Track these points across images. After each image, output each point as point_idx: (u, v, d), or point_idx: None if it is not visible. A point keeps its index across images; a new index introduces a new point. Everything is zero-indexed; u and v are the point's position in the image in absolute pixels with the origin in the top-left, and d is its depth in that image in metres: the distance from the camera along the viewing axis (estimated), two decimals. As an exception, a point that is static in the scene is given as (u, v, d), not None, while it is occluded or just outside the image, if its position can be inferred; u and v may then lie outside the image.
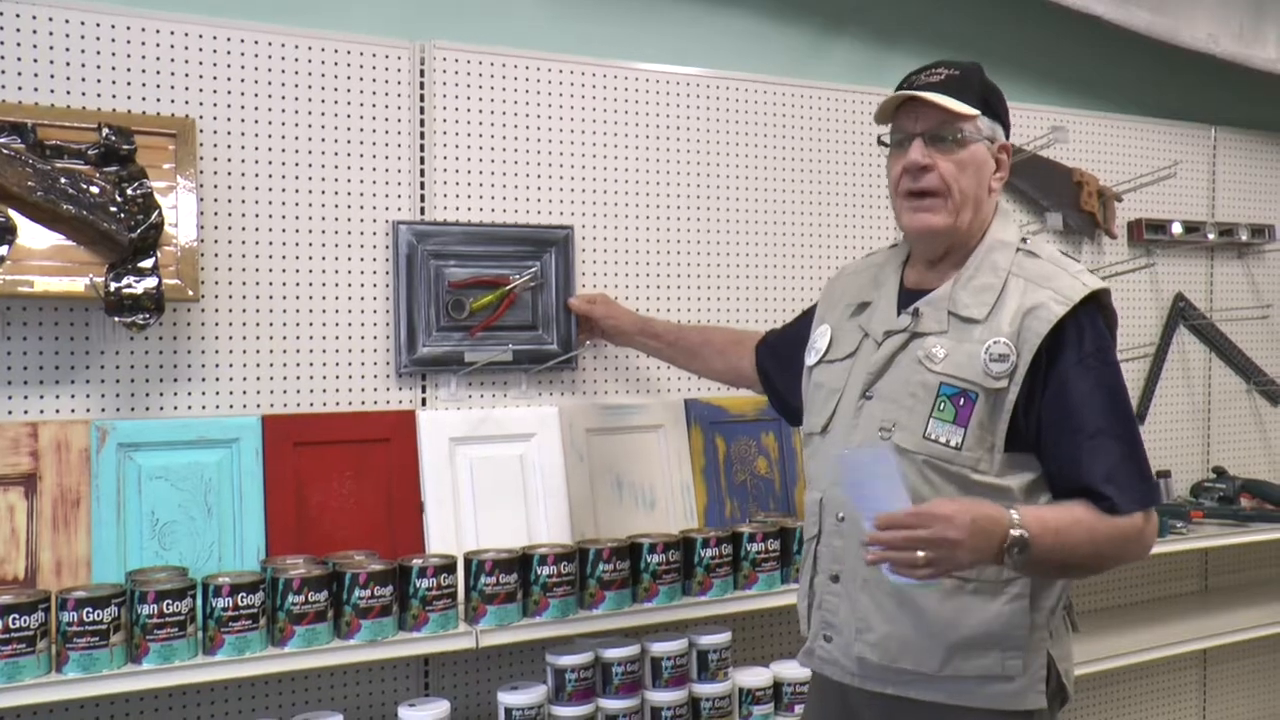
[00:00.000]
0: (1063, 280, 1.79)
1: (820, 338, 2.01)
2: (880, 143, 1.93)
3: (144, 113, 2.24)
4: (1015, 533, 1.62)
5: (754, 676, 2.55)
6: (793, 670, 2.54)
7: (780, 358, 2.22)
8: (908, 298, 1.89)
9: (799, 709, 2.50)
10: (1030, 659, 1.77)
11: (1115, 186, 3.48)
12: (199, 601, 2.00)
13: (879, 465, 1.63)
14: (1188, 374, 3.73)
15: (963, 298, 1.81)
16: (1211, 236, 3.68)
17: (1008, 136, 1.91)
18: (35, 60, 2.16)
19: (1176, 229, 3.59)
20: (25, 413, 2.15)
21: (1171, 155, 3.62)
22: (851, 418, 1.87)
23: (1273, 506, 3.48)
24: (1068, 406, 1.74)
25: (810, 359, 2.01)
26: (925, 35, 3.30)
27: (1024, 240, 1.87)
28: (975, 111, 1.83)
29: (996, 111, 1.88)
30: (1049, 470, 1.77)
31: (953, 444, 1.75)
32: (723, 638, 2.49)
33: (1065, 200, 3.39)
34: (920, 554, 1.57)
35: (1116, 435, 1.73)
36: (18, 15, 2.15)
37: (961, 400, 1.76)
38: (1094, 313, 1.78)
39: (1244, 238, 3.73)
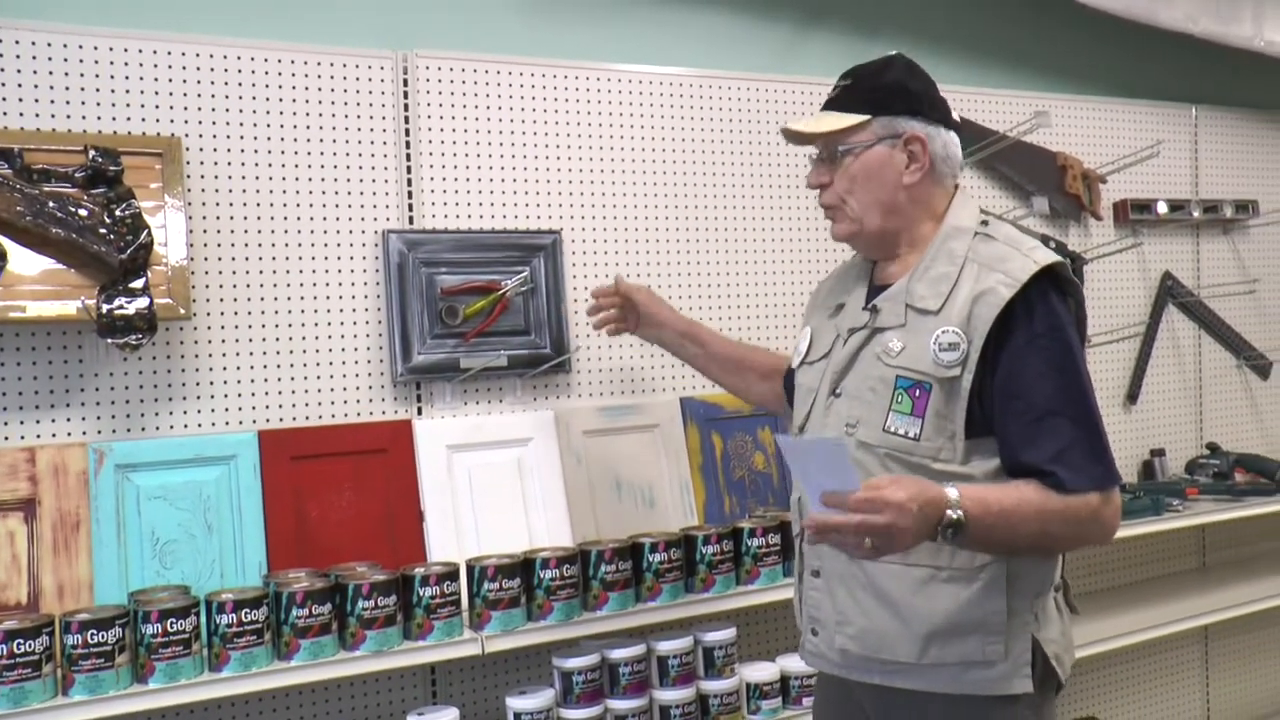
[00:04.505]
0: (1014, 261, 1.76)
1: (802, 340, 2.03)
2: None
3: (130, 133, 2.24)
4: (951, 514, 1.61)
5: (761, 671, 2.56)
6: (799, 664, 2.53)
7: None
8: (874, 294, 1.90)
9: (807, 702, 2.51)
10: (1012, 644, 1.76)
11: (1099, 168, 3.49)
12: (203, 619, 2.00)
13: (831, 457, 1.58)
14: (1178, 352, 3.74)
15: (918, 290, 1.81)
16: (1196, 214, 3.70)
17: (945, 122, 1.86)
18: (20, 85, 2.16)
19: (1162, 208, 3.61)
20: (22, 438, 2.15)
21: (1154, 135, 3.63)
22: (822, 416, 1.89)
23: (1267, 481, 3.49)
24: (1017, 389, 1.72)
25: (794, 361, 2.04)
26: (903, 25, 3.31)
27: (983, 223, 1.85)
28: (856, 119, 1.84)
29: (894, 107, 1.84)
30: (1001, 453, 1.75)
31: (911, 435, 1.76)
32: (728, 634, 2.50)
33: (1050, 184, 3.41)
34: (868, 541, 1.56)
35: (1068, 416, 1.71)
36: (0, 40, 2.15)
37: (917, 391, 1.76)
38: (1046, 290, 1.75)
39: (1228, 214, 3.76)
